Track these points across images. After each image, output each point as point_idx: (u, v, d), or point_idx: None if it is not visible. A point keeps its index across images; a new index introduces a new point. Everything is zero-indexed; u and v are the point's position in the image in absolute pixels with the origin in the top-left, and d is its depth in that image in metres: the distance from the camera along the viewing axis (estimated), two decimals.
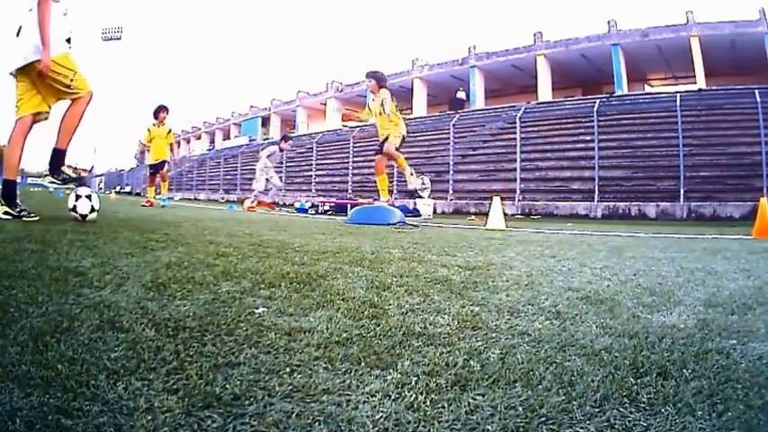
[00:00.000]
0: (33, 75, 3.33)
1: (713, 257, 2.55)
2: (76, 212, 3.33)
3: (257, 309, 1.13)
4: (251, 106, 40.35)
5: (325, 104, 32.87)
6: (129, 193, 32.90)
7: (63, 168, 3.54)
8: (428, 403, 0.67)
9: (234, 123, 41.73)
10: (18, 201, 3.44)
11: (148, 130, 9.04)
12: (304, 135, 28.29)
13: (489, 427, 0.62)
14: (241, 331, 0.96)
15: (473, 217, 9.93)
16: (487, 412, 0.65)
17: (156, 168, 9.48)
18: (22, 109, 3.39)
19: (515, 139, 13.74)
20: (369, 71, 6.56)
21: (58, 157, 3.51)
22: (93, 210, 3.39)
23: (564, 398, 0.70)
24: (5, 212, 3.34)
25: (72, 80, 3.40)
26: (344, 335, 0.96)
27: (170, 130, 9.33)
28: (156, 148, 9.13)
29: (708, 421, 0.64)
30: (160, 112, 8.97)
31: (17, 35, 3.48)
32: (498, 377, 0.77)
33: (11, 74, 3.44)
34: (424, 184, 7.37)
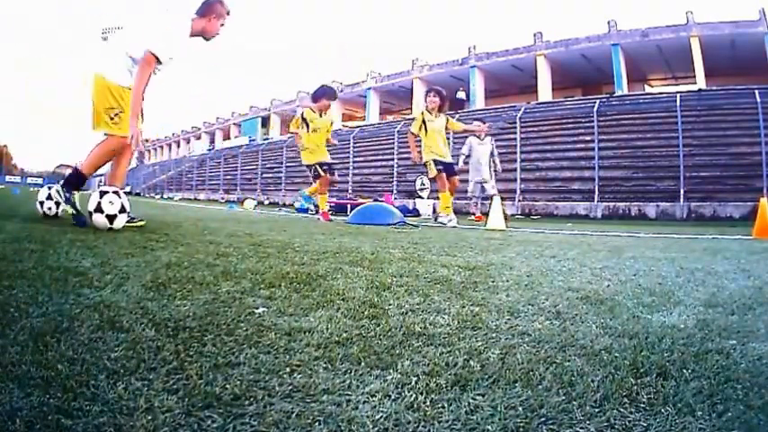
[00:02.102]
0: (97, 86, 3.20)
1: (713, 258, 2.55)
2: (102, 212, 2.77)
3: (257, 309, 1.13)
4: (251, 106, 40.35)
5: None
6: (129, 193, 32.94)
7: (73, 193, 3.32)
8: (428, 403, 0.67)
9: (234, 123, 41.74)
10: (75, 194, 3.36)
11: (303, 119, 6.29)
12: None
13: (489, 427, 0.62)
14: (241, 331, 0.96)
15: (473, 217, 9.92)
16: (487, 412, 0.65)
17: (327, 169, 6.59)
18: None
19: (515, 139, 13.75)
20: (434, 88, 6.38)
21: (76, 178, 3.33)
22: (123, 209, 2.84)
23: (564, 398, 0.70)
24: (56, 191, 3.31)
25: (116, 115, 3.22)
26: (344, 335, 0.96)
27: (332, 122, 6.71)
28: (315, 142, 6.32)
29: (708, 421, 0.64)
30: (323, 97, 6.25)
31: (103, 39, 3.36)
32: (498, 377, 0.77)
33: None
34: (423, 184, 7.33)
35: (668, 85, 24.34)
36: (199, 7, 3.30)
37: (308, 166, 6.37)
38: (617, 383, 0.75)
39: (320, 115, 6.28)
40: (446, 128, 6.15)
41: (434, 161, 5.99)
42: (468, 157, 8.24)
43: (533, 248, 2.85)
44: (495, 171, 8.18)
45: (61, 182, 3.38)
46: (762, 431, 0.63)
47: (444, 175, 6.01)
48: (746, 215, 8.82)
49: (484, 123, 7.85)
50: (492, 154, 8.09)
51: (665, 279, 1.80)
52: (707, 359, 0.88)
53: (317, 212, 6.77)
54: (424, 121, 6.09)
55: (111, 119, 3.18)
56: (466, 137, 8.24)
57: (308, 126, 6.22)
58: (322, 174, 6.24)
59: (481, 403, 0.68)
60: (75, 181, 3.31)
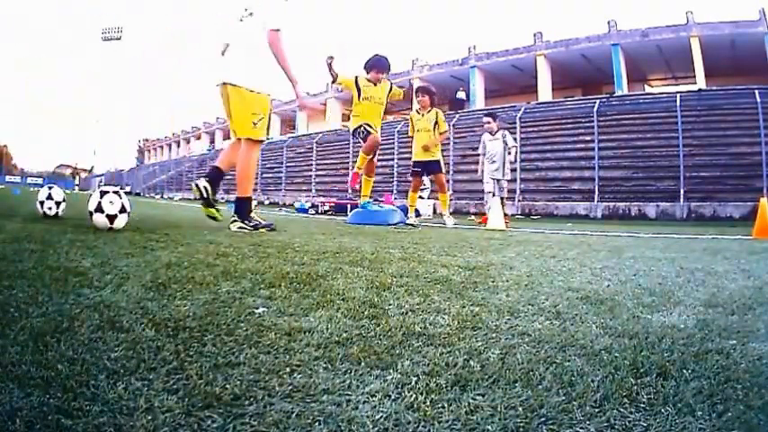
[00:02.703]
0: (232, 97, 3.44)
1: (713, 258, 2.55)
2: (102, 212, 2.74)
3: (257, 309, 1.13)
4: None
5: (325, 104, 32.86)
6: (129, 193, 32.94)
7: (252, 215, 3.55)
8: (428, 403, 0.67)
9: None
10: (252, 215, 3.57)
11: (357, 84, 5.58)
12: (304, 135, 28.30)
13: (489, 427, 0.62)
14: (241, 331, 0.96)
15: (473, 217, 9.93)
16: (487, 412, 0.65)
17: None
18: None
19: (515, 139, 13.73)
20: (421, 86, 6.21)
21: (242, 204, 3.52)
22: (123, 209, 2.81)
23: (564, 398, 0.70)
24: (240, 227, 3.42)
25: (256, 122, 3.48)
26: (344, 335, 0.96)
27: (390, 93, 5.79)
28: (365, 112, 5.60)
29: (708, 421, 0.64)
30: (373, 69, 5.56)
31: (222, 54, 3.59)
32: (498, 377, 0.77)
33: (217, 86, 3.58)
34: (423, 184, 7.30)
35: (668, 85, 24.34)
36: None
37: (354, 130, 5.63)
38: (617, 383, 0.75)
39: (374, 85, 5.57)
40: (436, 122, 5.95)
41: (413, 163, 6.10)
42: (483, 155, 7.66)
43: (533, 248, 2.85)
44: (511, 167, 7.44)
45: (236, 215, 3.50)
46: (762, 431, 0.63)
47: (417, 178, 6.16)
48: (746, 215, 8.83)
49: (494, 119, 7.40)
50: (506, 147, 7.34)
51: (665, 279, 1.80)
52: (707, 359, 0.88)
53: (358, 194, 6.14)
54: (412, 122, 6.16)
55: (255, 124, 3.45)
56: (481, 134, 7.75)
57: (359, 92, 5.53)
58: (372, 131, 5.46)
59: (481, 403, 0.68)
60: (246, 207, 3.50)
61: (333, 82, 5.84)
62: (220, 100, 3.60)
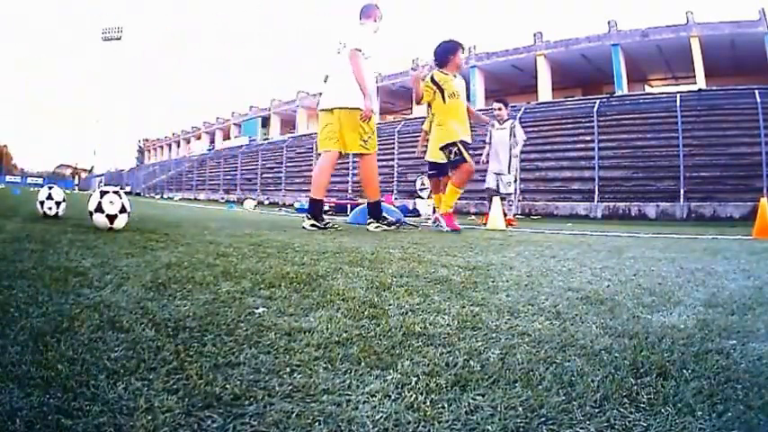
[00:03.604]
0: (342, 119, 4.03)
1: (713, 258, 2.55)
2: (102, 212, 2.73)
3: (257, 309, 1.13)
4: (251, 106, 40.35)
5: None
6: (129, 193, 32.96)
7: (384, 215, 4.24)
8: (428, 403, 0.67)
9: (234, 123, 41.74)
10: (323, 216, 4.19)
11: (435, 82, 4.62)
12: (304, 135, 28.29)
13: (489, 428, 0.62)
14: (241, 331, 0.96)
15: (473, 217, 9.93)
16: (487, 412, 0.65)
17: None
18: (324, 144, 4.13)
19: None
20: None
21: (376, 207, 4.27)
22: (123, 209, 2.80)
23: (564, 398, 0.70)
24: (312, 224, 3.96)
25: (366, 140, 4.08)
26: (344, 335, 0.96)
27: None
28: (455, 112, 4.67)
29: (708, 421, 0.64)
30: (449, 54, 4.64)
31: (324, 81, 4.26)
32: (498, 377, 0.77)
33: (321, 110, 4.21)
34: (423, 184, 7.24)
35: (668, 85, 24.33)
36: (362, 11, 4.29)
37: (445, 147, 4.43)
38: (617, 383, 0.75)
39: (453, 77, 4.56)
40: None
41: (429, 164, 5.19)
42: (489, 144, 6.93)
43: (533, 248, 2.85)
44: (513, 158, 6.76)
45: (371, 215, 4.26)
46: (762, 431, 0.63)
47: (435, 179, 5.16)
48: (746, 215, 8.82)
49: (506, 106, 6.67)
50: (512, 137, 6.62)
51: (665, 279, 1.80)
52: (707, 359, 0.88)
53: (436, 221, 4.74)
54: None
55: (365, 142, 4.07)
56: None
57: (442, 91, 4.45)
58: (467, 157, 4.35)
59: (481, 403, 0.68)
60: (378, 209, 4.25)
61: (418, 102, 4.79)
62: (322, 121, 4.19)
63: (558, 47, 22.39)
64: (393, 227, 4.18)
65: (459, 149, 4.34)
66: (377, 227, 4.10)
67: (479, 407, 0.67)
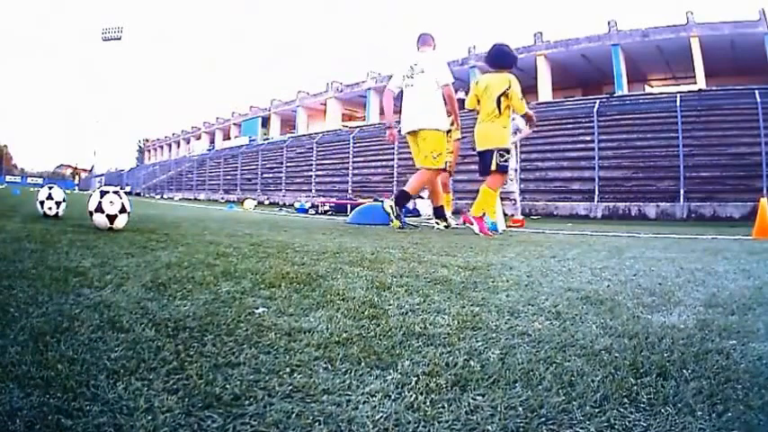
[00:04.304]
0: (426, 138, 4.53)
1: (713, 258, 2.55)
2: (102, 212, 2.74)
3: (257, 309, 1.13)
4: (251, 106, 40.38)
5: (325, 105, 32.87)
6: (129, 193, 32.97)
7: (395, 206, 4.64)
8: (428, 403, 0.67)
9: (234, 123, 41.76)
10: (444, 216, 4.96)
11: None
12: (304, 135, 28.30)
13: (489, 428, 0.62)
14: (241, 331, 0.96)
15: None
16: (487, 412, 0.65)
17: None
18: (424, 163, 4.61)
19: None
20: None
21: (402, 195, 4.72)
22: (123, 209, 2.80)
23: (564, 398, 0.70)
24: (444, 226, 4.75)
25: (435, 157, 4.52)
26: (344, 335, 0.96)
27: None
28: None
29: (708, 421, 0.64)
30: (505, 61, 4.51)
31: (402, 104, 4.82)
32: (498, 377, 0.77)
33: (408, 132, 4.72)
34: None
35: (668, 85, 24.34)
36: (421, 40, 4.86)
37: (501, 150, 4.32)
38: (617, 383, 0.75)
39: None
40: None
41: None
42: None
43: (533, 248, 2.85)
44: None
45: (395, 200, 4.66)
46: (762, 431, 0.63)
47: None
48: (746, 215, 8.82)
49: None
50: (516, 133, 6.25)
51: (665, 279, 1.80)
52: (707, 359, 0.87)
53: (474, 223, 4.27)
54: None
55: (435, 158, 4.53)
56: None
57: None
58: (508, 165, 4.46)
59: (481, 403, 0.68)
60: (404, 198, 4.73)
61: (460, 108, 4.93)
62: (410, 141, 4.73)
63: (558, 47, 22.40)
64: (447, 228, 4.76)
65: (507, 158, 4.44)
66: (439, 225, 4.86)
67: (479, 407, 0.67)
